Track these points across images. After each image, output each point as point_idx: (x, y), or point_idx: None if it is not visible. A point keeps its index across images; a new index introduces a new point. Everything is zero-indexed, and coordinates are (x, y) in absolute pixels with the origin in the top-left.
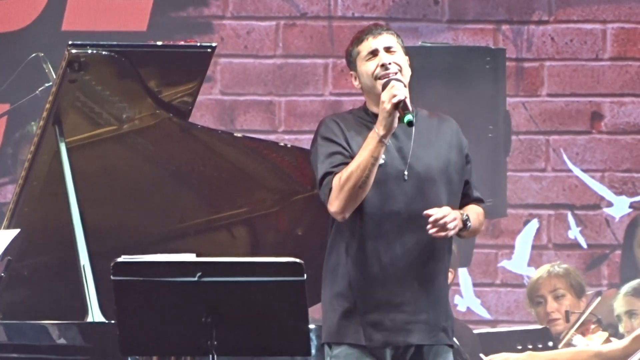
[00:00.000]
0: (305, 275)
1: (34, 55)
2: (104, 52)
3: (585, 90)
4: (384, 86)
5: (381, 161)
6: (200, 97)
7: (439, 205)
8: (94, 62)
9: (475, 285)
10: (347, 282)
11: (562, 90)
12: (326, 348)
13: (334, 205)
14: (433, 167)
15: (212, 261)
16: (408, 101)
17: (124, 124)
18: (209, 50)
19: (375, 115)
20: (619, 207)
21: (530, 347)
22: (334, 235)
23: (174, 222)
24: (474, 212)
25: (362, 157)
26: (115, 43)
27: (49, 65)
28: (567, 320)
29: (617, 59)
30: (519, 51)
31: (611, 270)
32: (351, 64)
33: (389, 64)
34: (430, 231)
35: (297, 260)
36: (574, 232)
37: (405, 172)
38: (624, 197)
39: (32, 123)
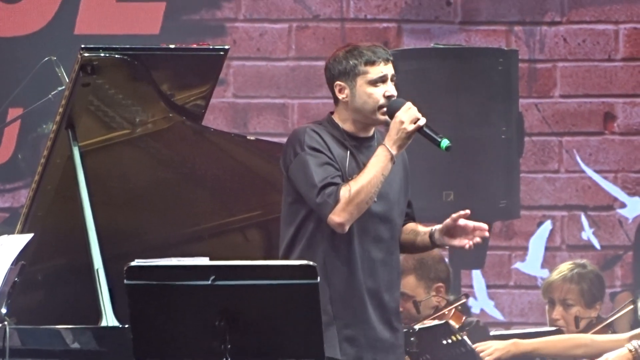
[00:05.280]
0: (318, 278)
1: (46, 59)
2: (116, 56)
3: (597, 91)
4: (394, 107)
5: None
6: (213, 100)
7: (399, 229)
8: (106, 66)
9: (488, 287)
10: (327, 295)
11: (574, 91)
12: None
13: (341, 216)
14: (394, 189)
15: (225, 264)
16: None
17: (137, 127)
18: (221, 53)
19: (348, 134)
20: (632, 207)
21: None
22: (305, 244)
23: (188, 225)
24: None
25: (372, 173)
26: (127, 46)
27: (62, 69)
28: (577, 326)
29: (630, 60)
30: (531, 52)
31: (625, 271)
32: (345, 75)
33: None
34: (476, 240)
35: (311, 263)
36: (588, 233)
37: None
38: (637, 198)
39: (44, 126)
